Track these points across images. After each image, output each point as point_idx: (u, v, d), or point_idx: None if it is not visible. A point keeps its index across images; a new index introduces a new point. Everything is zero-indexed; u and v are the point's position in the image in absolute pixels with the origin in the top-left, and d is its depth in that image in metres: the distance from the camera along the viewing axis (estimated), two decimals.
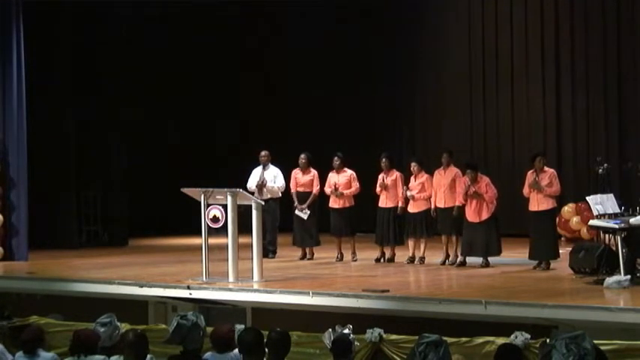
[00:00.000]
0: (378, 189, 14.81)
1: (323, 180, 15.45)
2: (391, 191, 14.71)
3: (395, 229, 14.62)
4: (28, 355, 8.31)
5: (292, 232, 15.64)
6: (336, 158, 15.22)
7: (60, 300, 13.03)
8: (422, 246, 14.51)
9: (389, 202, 14.74)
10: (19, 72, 15.96)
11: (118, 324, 8.41)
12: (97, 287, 12.93)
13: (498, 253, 14.00)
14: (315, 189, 15.44)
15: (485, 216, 13.87)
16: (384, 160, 14.81)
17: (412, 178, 14.67)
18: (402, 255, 14.70)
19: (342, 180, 15.13)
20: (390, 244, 14.69)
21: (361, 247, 15.19)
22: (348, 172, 15.19)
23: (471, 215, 13.93)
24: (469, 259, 14.15)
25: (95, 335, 8.01)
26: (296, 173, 15.59)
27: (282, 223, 15.79)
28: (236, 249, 12.44)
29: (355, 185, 15.09)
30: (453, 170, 14.43)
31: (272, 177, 15.54)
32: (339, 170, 15.20)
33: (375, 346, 9.36)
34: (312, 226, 15.42)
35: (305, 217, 15.35)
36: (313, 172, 15.55)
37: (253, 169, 15.72)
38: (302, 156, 15.58)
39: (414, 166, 14.66)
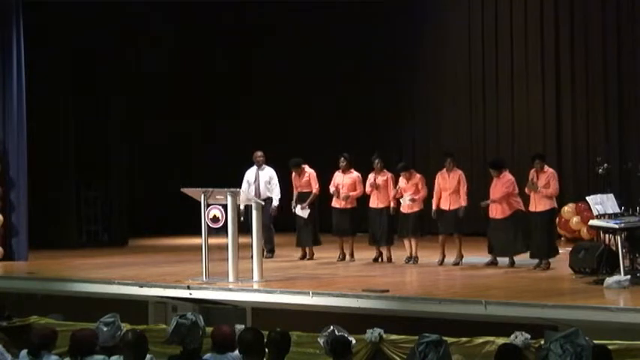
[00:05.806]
0: (368, 189, 14.81)
1: (324, 180, 15.46)
2: (382, 191, 14.69)
3: (387, 229, 14.60)
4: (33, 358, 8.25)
5: (295, 233, 15.63)
6: (342, 159, 15.15)
7: (60, 300, 13.02)
8: (414, 245, 14.46)
9: (380, 202, 14.73)
10: (19, 72, 15.94)
11: (121, 324, 8.40)
12: (97, 287, 12.92)
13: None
14: (315, 188, 15.43)
15: (499, 215, 13.87)
16: (376, 161, 14.77)
17: (404, 181, 14.58)
18: (400, 255, 14.68)
19: (347, 181, 15.08)
20: (382, 244, 14.68)
21: (361, 248, 15.16)
22: (354, 174, 15.13)
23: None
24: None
25: (92, 335, 7.97)
26: (294, 177, 15.59)
27: (278, 223, 15.78)
28: (236, 249, 12.44)
29: (360, 188, 15.02)
30: (457, 172, 14.41)
31: (267, 177, 15.55)
32: (345, 171, 15.17)
33: (375, 346, 9.37)
34: (311, 225, 15.39)
35: (305, 215, 15.32)
36: (308, 172, 15.51)
37: (248, 169, 15.73)
38: (292, 166, 15.55)
39: (404, 174, 14.56)
